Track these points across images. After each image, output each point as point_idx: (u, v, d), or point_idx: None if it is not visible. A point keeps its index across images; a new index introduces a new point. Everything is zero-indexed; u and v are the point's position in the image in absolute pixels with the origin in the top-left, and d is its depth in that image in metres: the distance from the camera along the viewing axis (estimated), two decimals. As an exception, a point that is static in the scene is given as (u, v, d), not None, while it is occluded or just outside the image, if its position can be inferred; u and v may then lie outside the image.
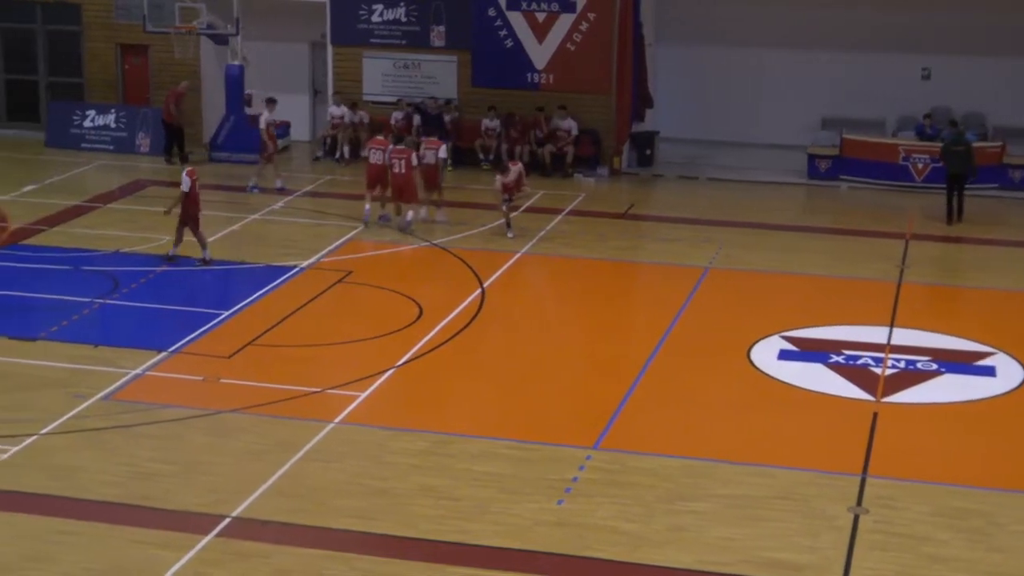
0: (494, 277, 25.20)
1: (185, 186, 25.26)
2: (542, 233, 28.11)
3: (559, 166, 33.22)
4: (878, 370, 20.93)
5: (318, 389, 19.87)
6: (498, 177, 27.88)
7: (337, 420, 18.79)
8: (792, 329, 22.61)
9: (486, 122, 33.67)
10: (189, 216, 25.31)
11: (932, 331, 22.73)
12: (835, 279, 25.67)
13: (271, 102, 31.40)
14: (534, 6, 33.09)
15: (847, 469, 17.53)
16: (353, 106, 34.10)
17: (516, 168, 28.09)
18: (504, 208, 27.74)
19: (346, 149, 34.08)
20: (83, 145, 35.14)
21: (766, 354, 21.59)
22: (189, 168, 25.95)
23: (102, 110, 35.35)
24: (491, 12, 33.32)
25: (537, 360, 21.41)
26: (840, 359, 21.35)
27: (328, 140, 34.51)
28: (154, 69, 35.75)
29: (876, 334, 22.48)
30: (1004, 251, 27.78)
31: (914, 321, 23.16)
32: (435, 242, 27.26)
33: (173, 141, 33.81)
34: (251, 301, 23.68)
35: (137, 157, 34.50)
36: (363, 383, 20.09)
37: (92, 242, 26.74)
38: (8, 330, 22.03)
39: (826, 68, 34.51)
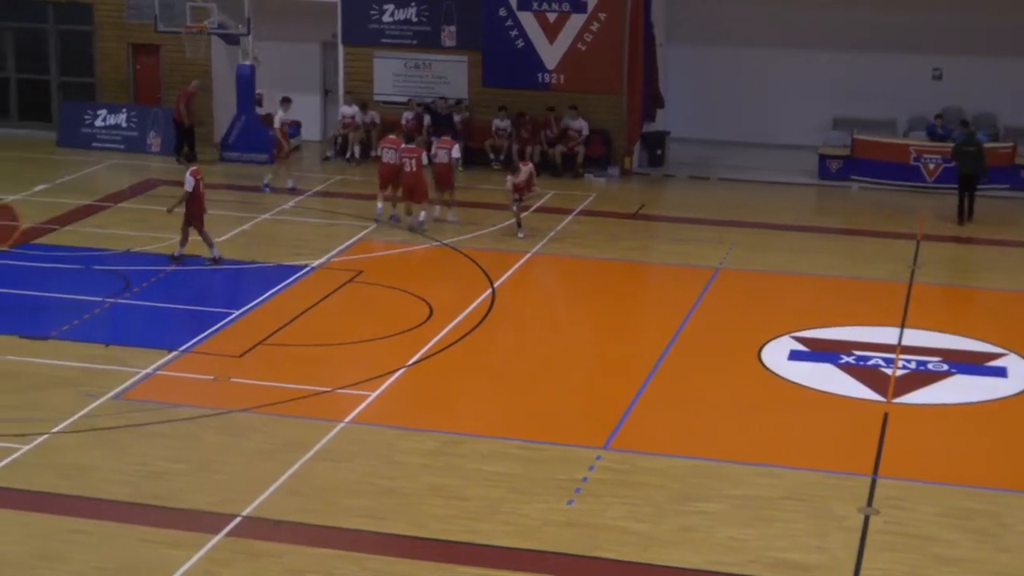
0: (505, 277, 25.21)
1: (189, 185, 25.28)
2: (553, 233, 28.11)
3: (570, 166, 33.22)
4: (889, 371, 20.91)
5: (328, 389, 19.89)
6: (509, 177, 27.88)
7: (347, 420, 18.81)
8: (803, 329, 22.59)
9: (497, 122, 33.68)
10: (193, 215, 25.33)
11: (943, 332, 22.71)
12: (846, 279, 25.65)
13: (286, 102, 31.46)
14: (545, 6, 33.09)
15: (857, 470, 17.52)
16: (363, 107, 34.13)
17: (527, 168, 28.08)
18: (514, 208, 27.75)
19: (357, 149, 34.11)
20: (94, 144, 35.20)
21: (777, 354, 21.58)
22: (193, 167, 25.97)
23: (113, 110, 35.41)
24: (502, 12, 33.32)
25: (547, 360, 21.41)
26: (851, 360, 21.33)
27: (339, 140, 34.54)
28: (165, 69, 35.79)
29: (887, 335, 22.45)
30: (1015, 252, 27.72)
31: (925, 322, 23.12)
32: (446, 242, 27.28)
33: (184, 141, 33.84)
34: (262, 301, 23.71)
35: (148, 157, 34.55)
36: (373, 383, 20.10)
37: (103, 241, 26.78)
38: (19, 329, 22.08)
39: (837, 68, 34.46)
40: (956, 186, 29.87)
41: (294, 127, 33.65)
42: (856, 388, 20.26)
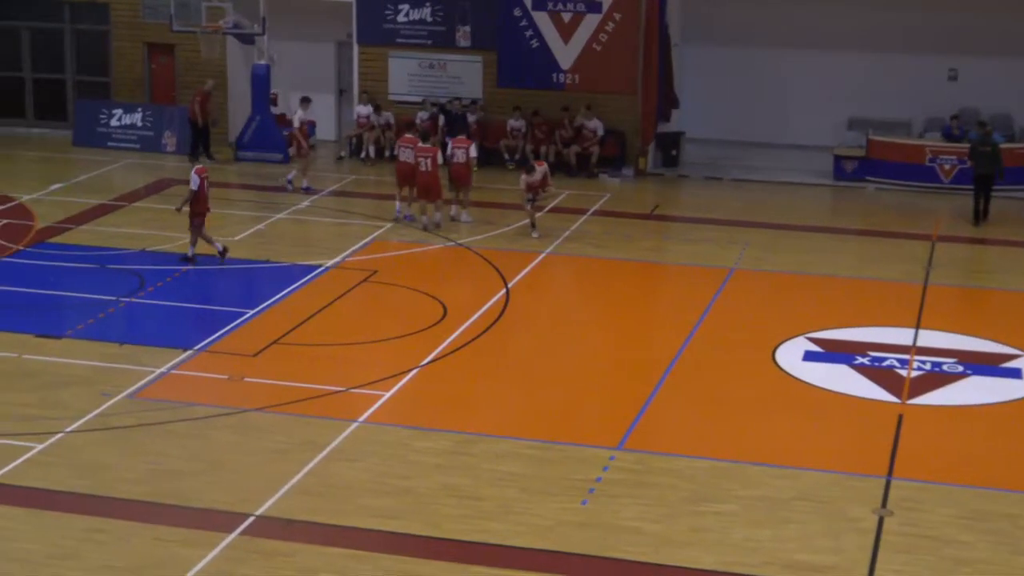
0: (519, 277, 25.21)
1: (194, 184, 25.32)
2: (567, 233, 28.10)
3: (584, 166, 33.21)
4: (903, 372, 20.87)
5: (342, 388, 19.90)
6: (523, 176, 27.86)
7: (361, 419, 18.82)
8: (817, 330, 22.56)
9: (511, 122, 33.69)
10: (196, 213, 25.35)
11: (958, 333, 22.66)
12: (861, 280, 25.61)
13: (306, 101, 31.50)
14: (560, 6, 33.08)
15: (872, 471, 17.49)
16: (377, 108, 34.14)
17: (542, 168, 28.06)
18: (528, 208, 27.74)
19: (371, 149, 34.14)
20: (109, 144, 35.28)
21: (791, 355, 21.55)
22: (199, 166, 26.00)
23: (129, 109, 35.48)
24: (517, 12, 33.31)
25: (561, 360, 21.40)
26: (865, 361, 21.29)
27: (354, 140, 34.57)
28: (180, 68, 35.85)
29: (902, 336, 22.41)
30: (1031, 253, 27.71)
31: (940, 323, 23.08)
32: (460, 242, 27.28)
33: (199, 141, 33.90)
34: (276, 300, 23.73)
35: (163, 156, 34.61)
36: (387, 382, 20.11)
37: (118, 241, 26.84)
38: (35, 328, 22.13)
39: (852, 69, 34.41)
40: (972, 187, 29.81)
41: (310, 127, 33.66)
42: (871, 389, 20.22)
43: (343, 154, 34.70)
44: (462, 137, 29.71)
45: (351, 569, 14.96)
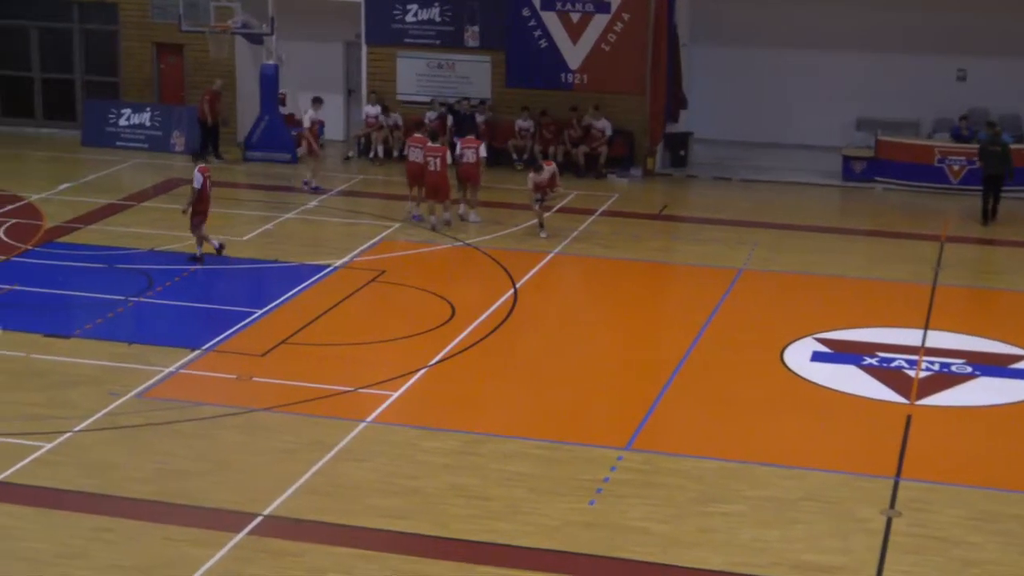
0: (527, 277, 25.21)
1: (197, 182, 25.34)
2: (575, 233, 28.10)
3: (592, 166, 33.20)
4: (912, 372, 20.85)
5: (351, 388, 19.91)
6: (531, 175, 27.85)
7: (369, 419, 18.83)
8: (825, 331, 22.54)
9: (519, 122, 33.68)
10: (197, 212, 25.37)
11: (967, 334, 22.63)
12: (869, 281, 25.58)
13: (318, 102, 31.52)
14: (568, 6, 33.08)
15: (880, 472, 17.47)
16: (385, 110, 34.15)
17: (550, 168, 28.06)
18: (536, 208, 27.74)
19: (380, 149, 34.16)
20: (118, 144, 35.32)
21: (799, 356, 21.53)
22: (202, 164, 26.01)
23: (137, 109, 35.52)
24: (525, 12, 33.32)
25: (569, 360, 21.39)
26: (874, 361, 21.27)
27: (362, 140, 34.59)
28: (189, 68, 35.89)
29: (910, 336, 22.39)
30: (1040, 254, 27.68)
31: (948, 323, 23.05)
32: (468, 242, 27.29)
33: (208, 140, 33.93)
34: (284, 300, 23.75)
35: (171, 156, 34.64)
36: (395, 382, 20.12)
37: (127, 240, 26.87)
38: (43, 327, 22.16)
39: (861, 69, 34.37)
40: (981, 187, 29.78)
41: (319, 127, 33.68)
42: (879, 390, 20.20)
43: (351, 154, 34.71)
44: (471, 137, 29.71)
45: (359, 569, 14.96)
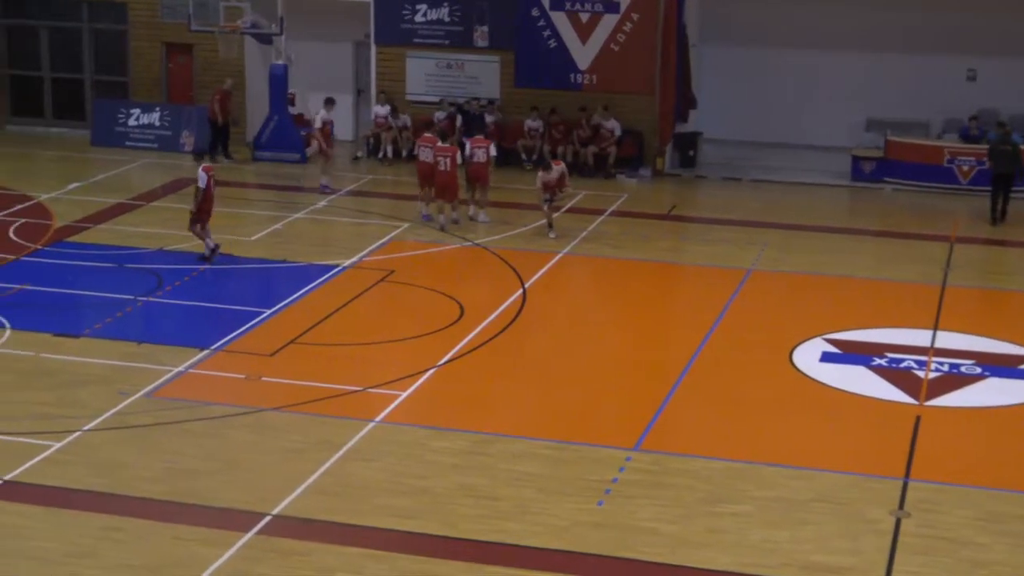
0: (536, 277, 25.20)
1: (202, 182, 25.36)
2: (584, 233, 28.09)
3: (602, 166, 33.20)
4: (921, 373, 20.82)
5: (359, 388, 19.92)
6: (540, 173, 27.85)
7: (378, 419, 18.83)
8: (835, 331, 22.52)
9: (528, 122, 33.68)
10: (201, 211, 25.39)
11: (976, 334, 22.59)
12: (878, 281, 25.56)
13: (330, 102, 31.53)
14: (578, 6, 33.05)
15: (889, 472, 17.45)
16: (395, 110, 34.16)
17: (559, 168, 28.06)
18: (545, 208, 27.74)
19: (389, 149, 34.17)
20: (127, 143, 35.36)
21: (808, 356, 21.51)
22: (205, 164, 26.02)
23: (147, 109, 35.56)
24: (535, 12, 33.28)
25: (578, 361, 21.39)
26: (883, 362, 21.25)
27: (371, 140, 34.60)
28: (198, 68, 35.93)
29: (919, 337, 22.36)
30: (1049, 254, 27.64)
31: (958, 324, 23.02)
32: (477, 242, 27.29)
33: (218, 140, 33.96)
34: (293, 300, 23.76)
35: (181, 156, 34.65)
36: (404, 382, 20.13)
37: (136, 240, 26.90)
38: (53, 327, 22.19)
39: (871, 70, 34.33)
40: (990, 187, 29.73)
41: (331, 127, 33.70)
42: (888, 390, 20.18)
43: (360, 154, 34.72)
44: (480, 137, 29.72)
45: (368, 568, 14.97)
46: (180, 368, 20.51)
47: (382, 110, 34.25)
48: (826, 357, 21.54)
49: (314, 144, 31.64)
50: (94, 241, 26.90)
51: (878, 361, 21.27)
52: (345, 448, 17.86)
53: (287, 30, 33.70)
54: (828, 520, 16.19)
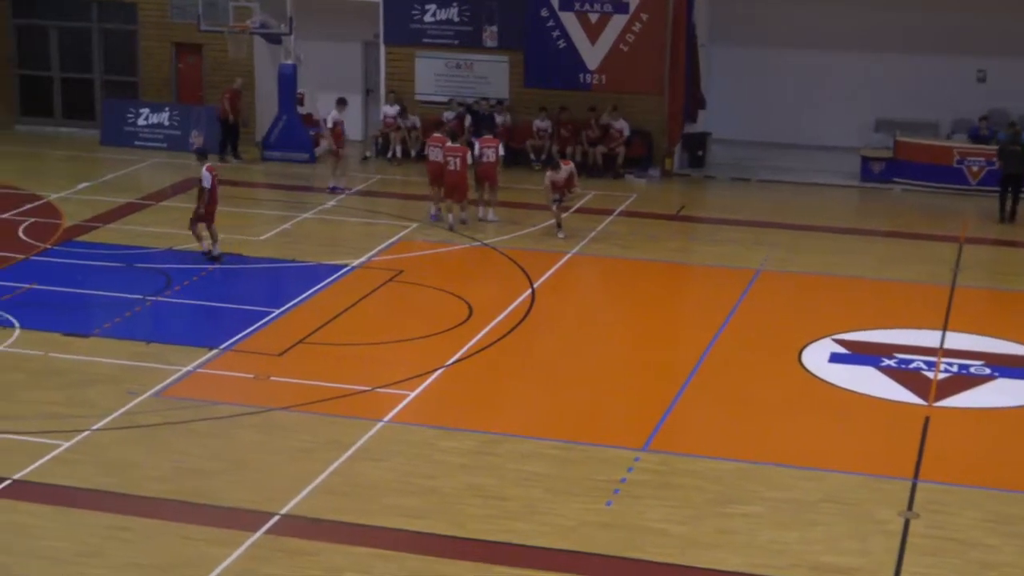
0: (544, 277, 25.20)
1: (206, 181, 25.37)
2: (593, 234, 28.08)
3: (610, 167, 33.19)
4: (930, 374, 20.79)
5: (368, 388, 19.92)
6: (549, 173, 27.84)
7: (386, 419, 18.83)
8: (844, 332, 22.49)
9: (537, 123, 33.68)
10: (208, 212, 25.40)
11: (985, 335, 22.56)
12: (887, 282, 25.52)
13: (341, 103, 31.54)
14: (587, 7, 33.05)
15: (898, 473, 17.43)
16: (404, 111, 34.16)
17: (568, 167, 28.05)
18: (554, 208, 27.73)
19: (398, 149, 34.18)
20: (137, 143, 35.41)
21: (817, 357, 21.49)
22: (208, 164, 26.04)
23: (156, 108, 35.60)
24: (544, 13, 33.29)
25: (587, 361, 21.38)
26: (892, 363, 21.22)
27: (380, 140, 34.61)
28: (207, 68, 35.96)
29: (929, 338, 22.33)
30: (1059, 255, 27.58)
31: (967, 325, 22.98)
32: (486, 242, 27.29)
33: (229, 139, 33.99)
34: (302, 299, 23.77)
35: (190, 156, 34.49)
36: (413, 382, 20.13)
37: (145, 239, 26.93)
38: (62, 326, 22.21)
39: (880, 70, 34.30)
40: (999, 187, 29.70)
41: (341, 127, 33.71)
42: (897, 391, 20.15)
43: (368, 154, 34.75)
44: (489, 136, 29.73)
45: (376, 568, 14.97)
46: (189, 368, 20.52)
47: (391, 110, 34.26)
48: (835, 358, 21.52)
49: (323, 144, 31.64)
50: (103, 241, 26.93)
51: (887, 362, 21.25)
52: (354, 448, 17.86)
53: (296, 30, 33.72)
54: (837, 521, 16.17)
